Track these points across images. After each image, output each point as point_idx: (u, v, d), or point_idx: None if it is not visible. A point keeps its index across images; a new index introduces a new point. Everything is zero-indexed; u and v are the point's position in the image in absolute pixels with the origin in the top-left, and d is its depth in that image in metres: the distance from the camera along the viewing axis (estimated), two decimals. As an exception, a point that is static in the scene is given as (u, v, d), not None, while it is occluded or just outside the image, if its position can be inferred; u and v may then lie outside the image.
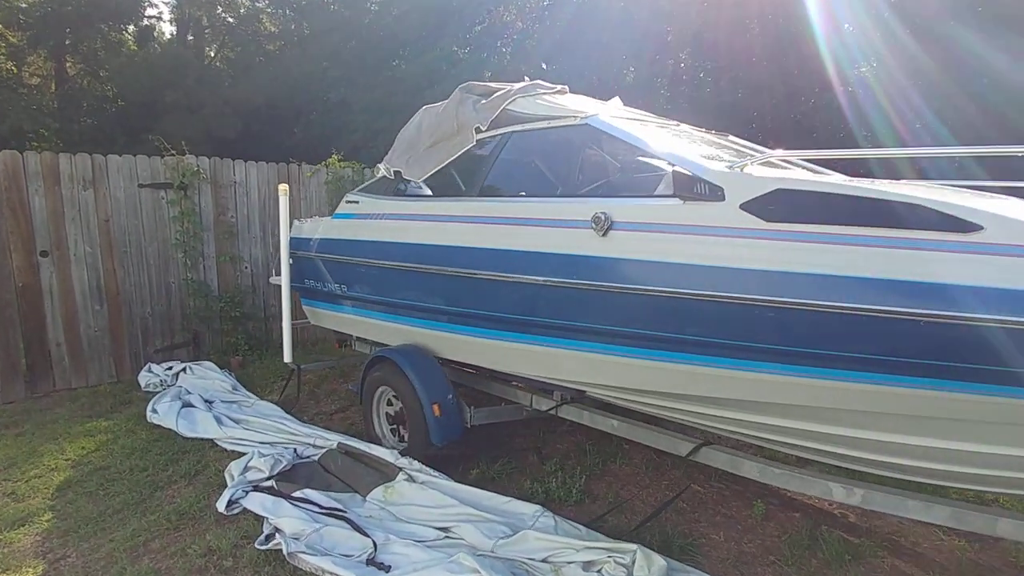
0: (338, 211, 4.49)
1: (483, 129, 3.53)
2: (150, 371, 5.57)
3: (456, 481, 3.46)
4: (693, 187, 2.42)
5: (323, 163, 6.85)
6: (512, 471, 3.75)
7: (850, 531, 3.11)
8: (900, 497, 2.52)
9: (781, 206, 2.24)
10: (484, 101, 3.63)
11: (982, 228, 1.92)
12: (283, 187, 4.66)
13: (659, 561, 2.65)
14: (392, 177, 4.04)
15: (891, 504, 2.54)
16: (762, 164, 2.55)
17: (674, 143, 2.92)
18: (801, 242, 2.18)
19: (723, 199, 2.37)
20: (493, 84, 3.79)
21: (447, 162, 3.69)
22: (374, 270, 4.01)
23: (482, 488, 3.38)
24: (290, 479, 3.56)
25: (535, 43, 14.46)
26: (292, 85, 16.80)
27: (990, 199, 2.33)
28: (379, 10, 17.46)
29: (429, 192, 3.81)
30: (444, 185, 3.76)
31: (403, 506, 3.27)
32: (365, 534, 2.92)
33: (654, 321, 2.61)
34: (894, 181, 2.67)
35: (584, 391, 3.33)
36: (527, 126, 3.34)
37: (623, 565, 2.66)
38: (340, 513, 3.12)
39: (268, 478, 3.52)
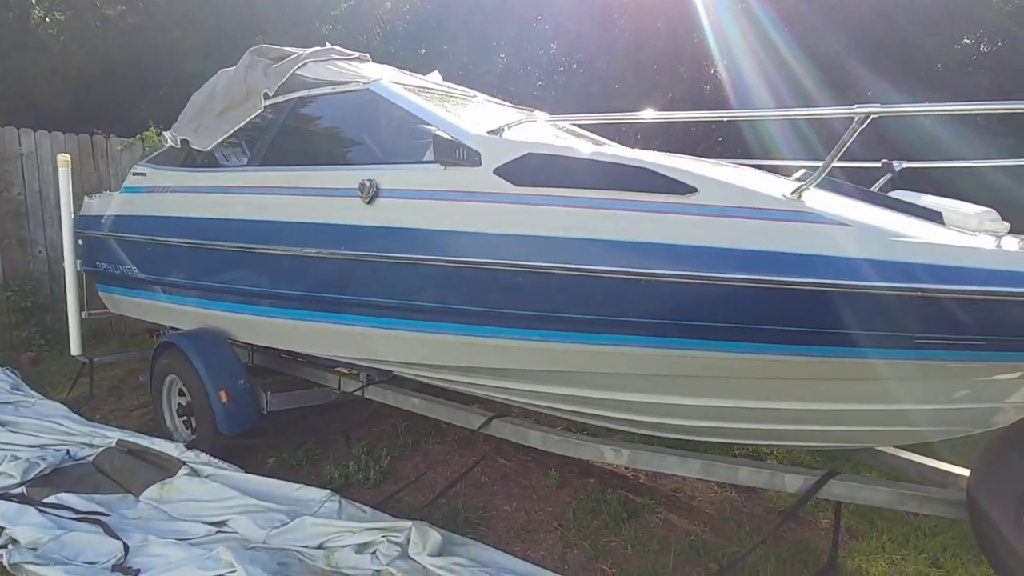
0: (125, 184, 4.04)
1: (271, 95, 3.30)
2: (-90, 372, 4.77)
3: (251, 471, 3.25)
4: (453, 152, 2.37)
5: (138, 136, 6.19)
6: (317, 457, 3.58)
7: (635, 491, 3.25)
8: (660, 454, 2.65)
9: (530, 170, 2.24)
10: (275, 65, 3.38)
11: (696, 190, 2.00)
12: (63, 157, 4.15)
13: (434, 536, 2.60)
14: (179, 146, 3.69)
15: (654, 461, 2.66)
16: (538, 129, 2.55)
17: (456, 112, 2.86)
18: (544, 206, 2.19)
19: (479, 164, 2.33)
20: (288, 48, 3.54)
21: (234, 130, 3.41)
22: (162, 249, 3.65)
23: (279, 477, 3.20)
24: (50, 483, 3.16)
25: (405, 25, 14.03)
26: (137, 55, 15.20)
27: (729, 167, 2.47)
28: (238, -20, 16.19)
29: (216, 163, 3.51)
30: (232, 155, 3.48)
31: (180, 503, 3.01)
32: (117, 537, 2.63)
33: (424, 292, 2.55)
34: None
35: (390, 371, 3.25)
36: (312, 91, 3.16)
37: (397, 544, 2.59)
38: (94, 517, 2.80)
39: (19, 484, 3.09)
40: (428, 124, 2.61)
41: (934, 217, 2.13)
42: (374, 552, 2.60)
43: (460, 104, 3.14)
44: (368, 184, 2.52)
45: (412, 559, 2.55)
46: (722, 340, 2.09)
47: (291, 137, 3.17)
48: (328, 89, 3.09)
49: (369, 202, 2.53)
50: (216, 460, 3.27)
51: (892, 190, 3.01)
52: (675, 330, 2.11)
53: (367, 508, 2.91)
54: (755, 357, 2.11)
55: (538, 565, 2.61)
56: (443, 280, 2.45)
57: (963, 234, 2.02)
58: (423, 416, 3.55)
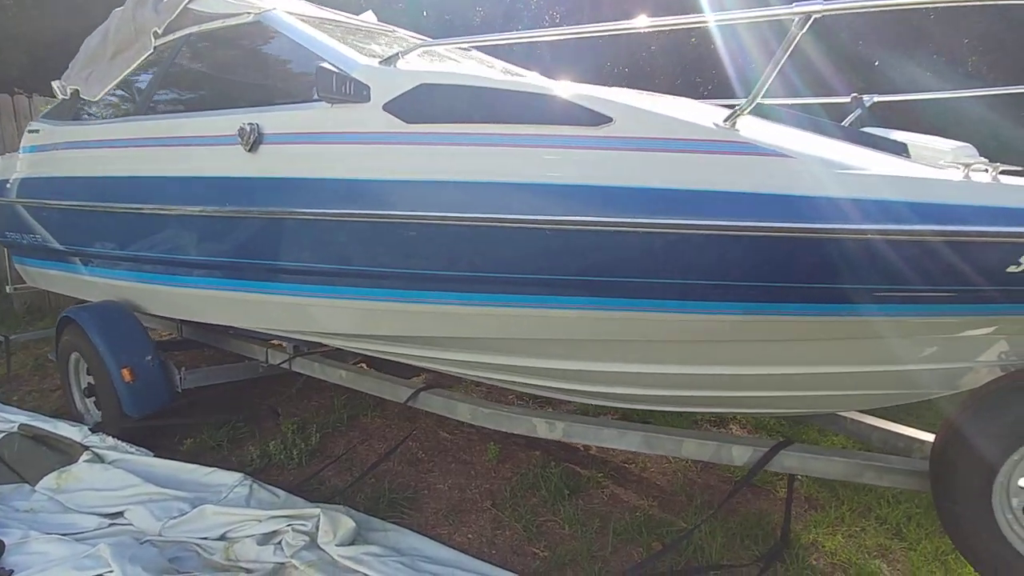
0: (22, 143, 3.65)
1: (160, 33, 2.90)
2: None
3: (164, 455, 2.98)
4: (339, 86, 2.01)
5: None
6: (243, 436, 3.30)
7: (583, 463, 3.01)
8: (597, 427, 2.39)
9: (424, 104, 1.91)
10: (165, 0, 2.97)
11: (611, 120, 1.68)
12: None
13: (347, 523, 2.35)
14: (68, 96, 3.29)
15: (590, 434, 2.40)
16: (437, 58, 2.20)
17: (361, 45, 2.48)
18: (439, 145, 1.85)
19: (368, 99, 1.99)
20: (183, -19, 3.12)
21: (123, 76, 3.02)
22: (56, 214, 3.30)
23: (195, 461, 2.93)
24: (-62, 475, 2.88)
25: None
26: (95, 16, 14.38)
27: (662, 97, 2.14)
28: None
29: (106, 114, 3.13)
30: (122, 104, 3.10)
31: (78, 492, 2.72)
32: (-9, 535, 2.36)
33: (326, 253, 2.23)
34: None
35: (311, 341, 2.97)
36: (203, 27, 2.77)
37: (304, 532, 2.33)
38: (-28, 512, 2.52)
39: (-100, 477, 2.81)
40: (323, 58, 2.25)
41: (897, 150, 1.81)
42: (279, 542, 2.34)
43: (369, 38, 2.76)
44: (248, 129, 2.18)
45: (321, 549, 2.30)
46: (648, 299, 1.80)
47: (178, 81, 2.79)
48: (219, 23, 2.70)
49: (251, 149, 2.19)
50: (123, 444, 2.99)
51: (862, 127, 2.71)
52: (595, 288, 1.81)
53: (281, 492, 2.65)
54: (685, 318, 1.83)
55: (462, 550, 2.37)
56: (342, 238, 2.13)
57: (928, 167, 1.70)
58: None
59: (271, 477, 2.89)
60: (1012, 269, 1.52)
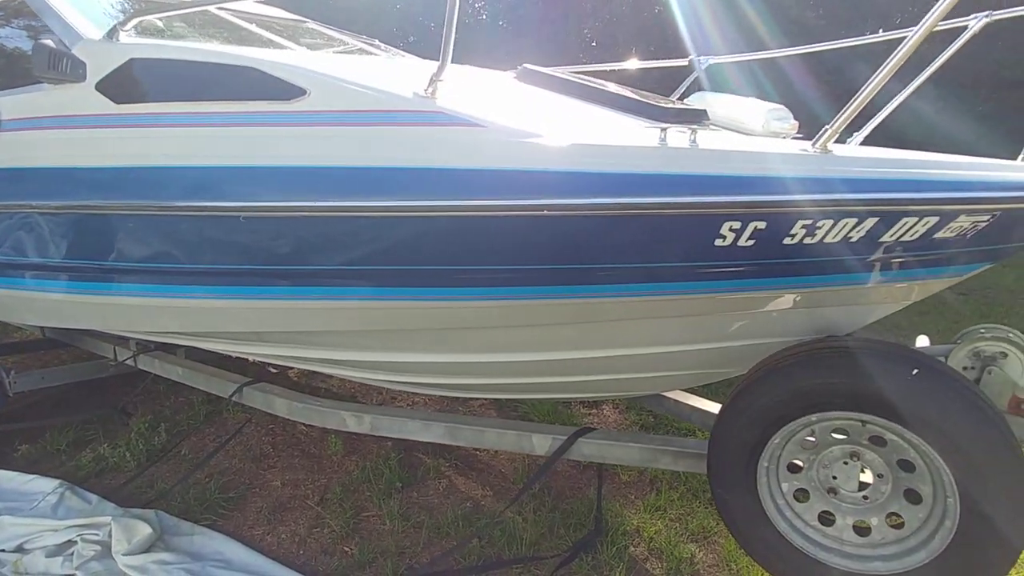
0: None
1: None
2: None
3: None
4: (55, 64, 1.83)
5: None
6: (91, 439, 3.18)
7: (434, 452, 2.89)
8: (402, 419, 2.29)
9: (134, 83, 1.74)
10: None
11: (306, 93, 1.51)
12: None
13: (143, 530, 2.25)
14: None
15: (396, 427, 2.30)
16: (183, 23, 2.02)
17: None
18: (146, 127, 1.69)
19: (84, 78, 1.81)
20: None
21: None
22: None
23: (32, 467, 2.83)
24: None
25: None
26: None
27: (390, 60, 1.97)
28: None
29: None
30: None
31: None
32: None
33: (83, 248, 2.07)
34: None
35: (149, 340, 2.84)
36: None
37: (96, 542, 2.23)
38: None
39: None
40: (52, 32, 2.06)
41: (634, 109, 1.64)
42: (72, 553, 2.24)
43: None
44: (-21, 117, 2.00)
45: (112, 559, 2.20)
46: (382, 287, 1.66)
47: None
48: (-4, 2, 2.50)
49: (-15, 139, 2.02)
50: (-50, 453, 2.88)
51: (696, 91, 2.55)
52: (315, 279, 1.67)
53: (94, 498, 2.54)
54: (428, 306, 1.69)
55: (270, 551, 2.28)
56: (86, 232, 1.97)
57: (640, 133, 1.53)
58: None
59: (105, 481, 2.78)
60: (720, 243, 1.38)
